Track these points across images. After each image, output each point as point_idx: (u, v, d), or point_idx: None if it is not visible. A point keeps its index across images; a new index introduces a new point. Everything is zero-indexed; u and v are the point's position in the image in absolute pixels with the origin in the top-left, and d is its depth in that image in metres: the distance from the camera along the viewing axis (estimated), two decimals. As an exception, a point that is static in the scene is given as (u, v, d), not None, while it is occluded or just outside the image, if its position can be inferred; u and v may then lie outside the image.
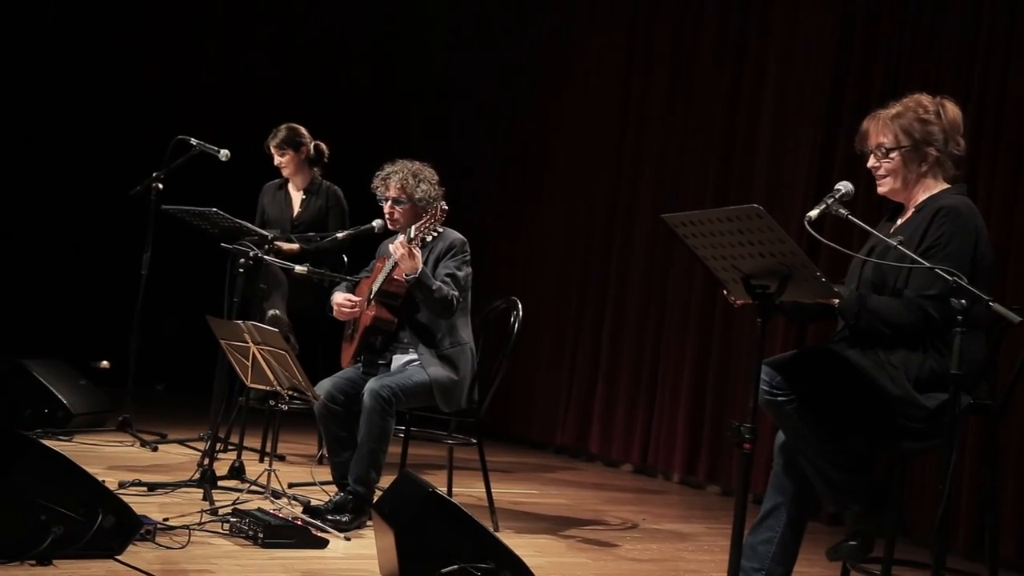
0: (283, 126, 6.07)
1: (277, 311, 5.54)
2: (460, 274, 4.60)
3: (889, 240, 3.41)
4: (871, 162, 3.60)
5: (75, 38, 8.09)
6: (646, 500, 6.02)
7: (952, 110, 3.56)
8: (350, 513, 4.34)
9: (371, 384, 4.40)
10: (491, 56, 8.23)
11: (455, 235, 4.70)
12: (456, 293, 4.53)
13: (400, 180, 4.67)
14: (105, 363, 7.74)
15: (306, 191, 6.12)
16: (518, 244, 7.85)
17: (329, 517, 4.29)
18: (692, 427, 6.49)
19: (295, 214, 6.11)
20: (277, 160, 6.06)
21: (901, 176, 3.56)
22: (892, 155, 3.55)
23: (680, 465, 6.55)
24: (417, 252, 4.42)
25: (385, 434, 4.40)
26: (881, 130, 3.56)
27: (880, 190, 3.63)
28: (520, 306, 4.78)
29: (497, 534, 3.79)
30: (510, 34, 8.12)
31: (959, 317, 3.06)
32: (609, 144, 7.27)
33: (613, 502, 5.80)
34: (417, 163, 4.75)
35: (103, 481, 3.62)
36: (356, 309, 4.71)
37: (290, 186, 6.16)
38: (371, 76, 8.98)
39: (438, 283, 4.50)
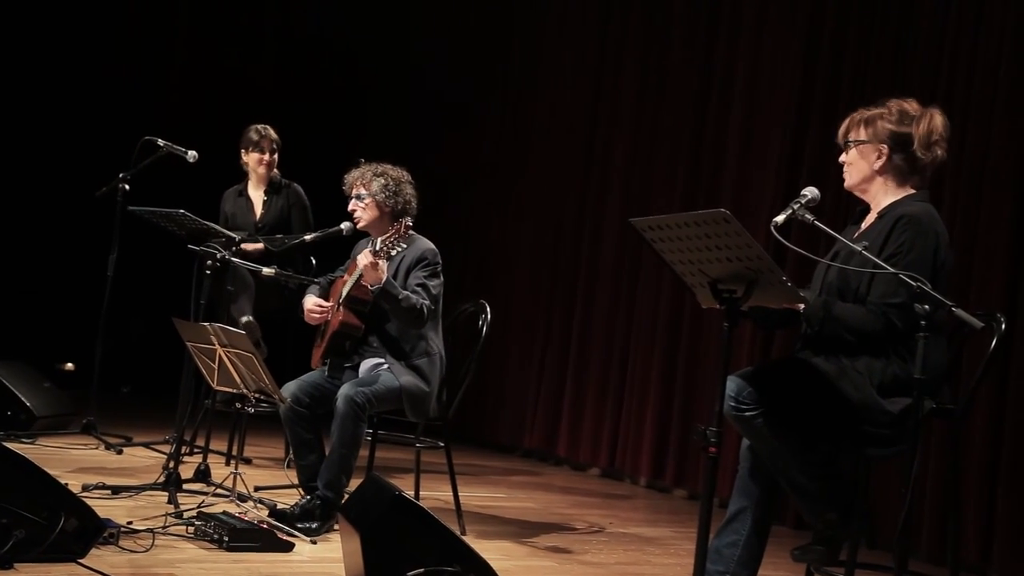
0: (265, 127, 6.03)
1: (250, 318, 5.51)
2: (431, 284, 4.59)
3: (854, 245, 3.44)
4: (842, 156, 3.68)
5: (40, 38, 8.03)
6: (613, 504, 6.03)
7: (934, 118, 3.59)
8: (319, 520, 4.32)
9: (345, 390, 4.38)
10: (462, 61, 8.23)
11: (426, 245, 4.69)
12: (427, 302, 4.52)
13: (359, 175, 4.69)
14: (70, 365, 7.68)
15: (267, 192, 6.09)
16: (487, 248, 7.85)
17: (299, 525, 4.27)
18: (659, 431, 6.51)
19: (258, 216, 6.08)
20: (260, 158, 6.01)
21: (857, 168, 3.64)
22: (849, 147, 3.66)
23: (647, 469, 6.57)
24: (382, 264, 4.41)
25: (357, 440, 4.39)
26: (854, 125, 3.63)
27: (846, 183, 3.70)
28: (488, 309, 4.78)
29: (464, 538, 3.79)
30: (482, 40, 8.12)
31: (922, 323, 3.09)
32: (578, 149, 7.28)
33: (580, 506, 5.81)
34: (386, 165, 4.75)
35: (66, 484, 3.59)
36: (326, 314, 4.70)
37: (250, 189, 6.12)
38: (342, 80, 8.95)
39: (405, 292, 4.49)
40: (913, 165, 3.58)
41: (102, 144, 7.54)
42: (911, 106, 3.62)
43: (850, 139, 3.64)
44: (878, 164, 3.60)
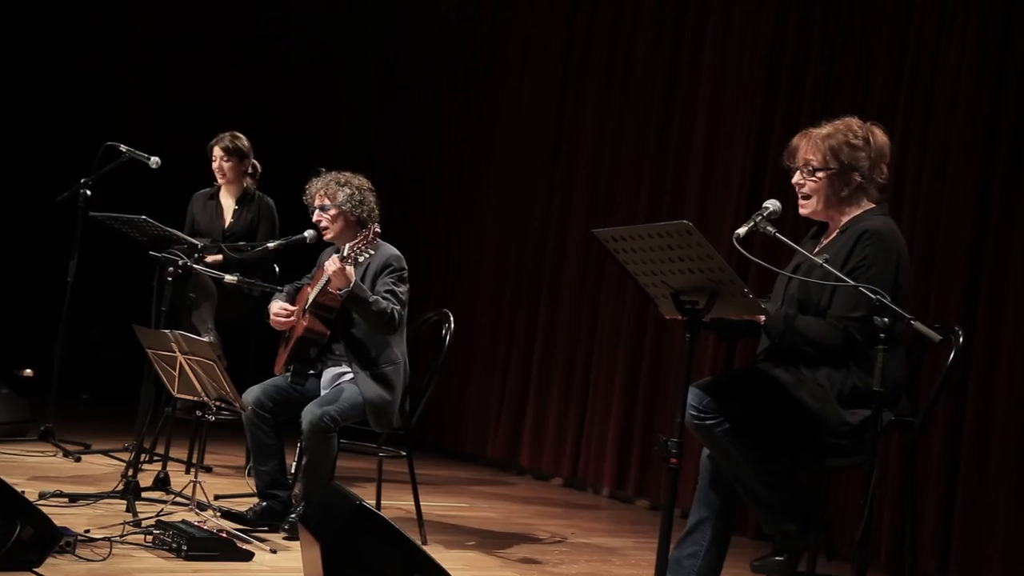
0: (231, 133, 6.00)
1: (212, 337, 5.47)
2: (398, 290, 4.58)
3: (816, 259, 3.46)
4: (796, 178, 3.65)
5: None
6: (575, 514, 6.04)
7: (880, 137, 3.62)
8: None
9: (309, 415, 4.33)
10: (429, 64, 8.23)
11: (391, 251, 4.68)
12: (397, 307, 4.51)
13: (323, 186, 4.68)
14: (28, 371, 7.61)
15: (239, 201, 6.06)
16: (450, 256, 7.85)
17: (267, 520, 4.29)
18: (622, 441, 6.52)
19: (227, 224, 6.04)
20: (219, 163, 5.98)
21: (824, 197, 3.60)
22: (818, 175, 3.59)
23: (610, 479, 6.58)
24: (350, 268, 4.41)
25: (331, 455, 4.42)
26: (811, 148, 3.60)
27: (802, 211, 3.67)
28: (452, 318, 4.78)
29: (425, 547, 3.78)
30: (447, 46, 8.12)
31: (882, 335, 3.12)
32: (543, 158, 7.30)
33: (542, 516, 5.81)
34: (347, 173, 4.74)
35: (23, 492, 3.56)
36: (291, 319, 4.68)
37: (222, 195, 6.08)
38: (309, 83, 8.92)
39: (374, 296, 4.48)
40: (871, 185, 3.61)
41: (63, 149, 7.47)
42: (857, 125, 3.62)
43: (814, 165, 3.61)
44: (845, 192, 3.59)
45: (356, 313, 4.49)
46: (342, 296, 4.43)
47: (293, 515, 4.42)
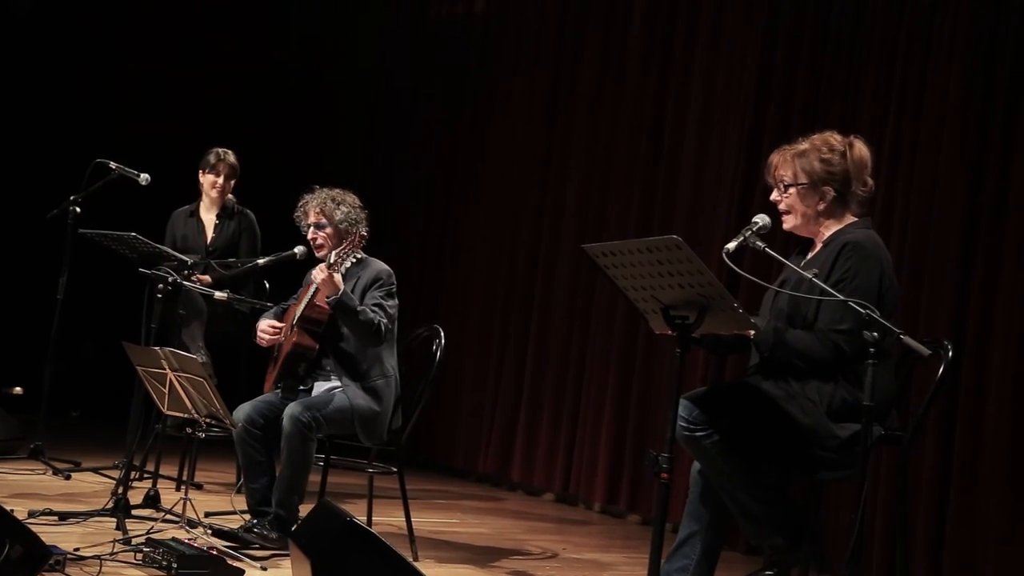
0: (226, 151, 6.01)
1: (203, 355, 5.46)
2: (387, 304, 4.59)
3: (804, 273, 3.48)
4: (773, 195, 3.72)
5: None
6: (567, 529, 6.03)
7: (860, 150, 3.64)
8: (278, 530, 4.31)
9: (291, 409, 4.37)
10: (420, 80, 8.24)
11: (381, 266, 4.69)
12: (384, 320, 4.52)
13: (319, 204, 4.68)
14: (18, 389, 7.58)
15: (219, 215, 6.06)
16: (441, 271, 7.85)
17: (255, 531, 4.26)
18: (614, 456, 6.52)
19: (209, 239, 6.05)
20: (214, 181, 5.99)
21: (800, 212, 3.66)
22: (791, 191, 3.65)
23: (601, 494, 6.57)
24: (338, 276, 4.42)
25: (306, 459, 4.38)
26: (783, 165, 3.66)
27: (785, 226, 3.73)
28: (442, 333, 4.77)
29: (416, 564, 3.77)
30: (438, 58, 8.13)
31: (871, 349, 3.13)
32: (532, 173, 7.31)
33: (534, 531, 5.80)
34: (337, 190, 4.75)
35: (12, 510, 3.54)
36: (279, 336, 4.68)
37: (202, 211, 6.09)
38: (295, 96, 8.92)
39: (362, 306, 4.49)
40: (851, 198, 3.63)
41: (53, 166, 7.46)
42: (836, 139, 3.65)
43: (787, 182, 3.66)
44: (821, 206, 3.63)
45: (343, 323, 4.49)
46: (330, 303, 4.43)
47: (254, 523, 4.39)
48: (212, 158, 6.00)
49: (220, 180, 6.00)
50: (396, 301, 4.66)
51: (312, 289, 4.58)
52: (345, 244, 4.46)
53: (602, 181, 6.88)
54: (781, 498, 3.51)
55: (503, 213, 7.47)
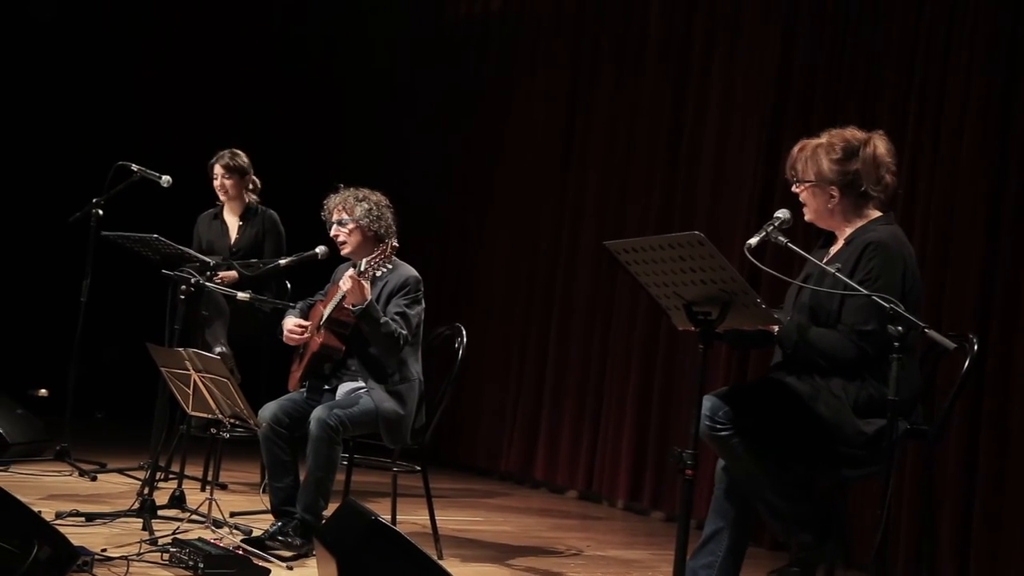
0: (230, 150, 6.03)
1: (224, 348, 5.48)
2: (411, 312, 4.59)
3: (828, 268, 3.46)
4: (793, 187, 3.71)
5: (10, 64, 7.99)
6: (591, 526, 6.03)
7: (877, 147, 3.61)
8: (301, 537, 4.31)
9: (318, 412, 4.37)
10: (436, 84, 8.25)
11: (409, 271, 4.69)
12: (405, 332, 4.51)
13: (341, 201, 4.70)
14: (43, 391, 7.62)
15: (242, 217, 6.08)
16: (462, 270, 7.85)
17: (279, 538, 4.26)
18: (636, 453, 6.51)
19: (232, 241, 6.07)
20: (220, 182, 6.02)
21: (813, 208, 3.67)
22: (802, 186, 3.65)
23: (625, 491, 6.56)
24: (366, 284, 4.42)
25: (332, 463, 4.38)
26: (798, 159, 3.66)
27: (805, 217, 3.73)
28: (464, 332, 4.78)
29: (441, 562, 3.78)
30: (454, 59, 8.14)
31: (896, 344, 3.12)
32: (552, 171, 7.30)
33: (558, 528, 5.80)
34: (364, 190, 4.76)
35: (39, 512, 3.56)
36: (306, 335, 4.69)
37: (226, 213, 6.11)
38: (314, 96, 8.94)
39: (386, 317, 4.49)
40: (866, 197, 3.61)
41: (75, 169, 7.50)
42: (853, 134, 3.63)
43: (799, 177, 3.66)
44: (831, 204, 3.63)
45: (365, 331, 4.50)
46: (356, 312, 4.44)
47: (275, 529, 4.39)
48: (213, 159, 6.03)
49: (218, 181, 6.01)
50: (422, 306, 4.66)
51: (340, 292, 4.58)
52: (376, 254, 4.45)
53: (621, 180, 6.87)
54: (807, 495, 3.49)
55: (523, 213, 7.47)
